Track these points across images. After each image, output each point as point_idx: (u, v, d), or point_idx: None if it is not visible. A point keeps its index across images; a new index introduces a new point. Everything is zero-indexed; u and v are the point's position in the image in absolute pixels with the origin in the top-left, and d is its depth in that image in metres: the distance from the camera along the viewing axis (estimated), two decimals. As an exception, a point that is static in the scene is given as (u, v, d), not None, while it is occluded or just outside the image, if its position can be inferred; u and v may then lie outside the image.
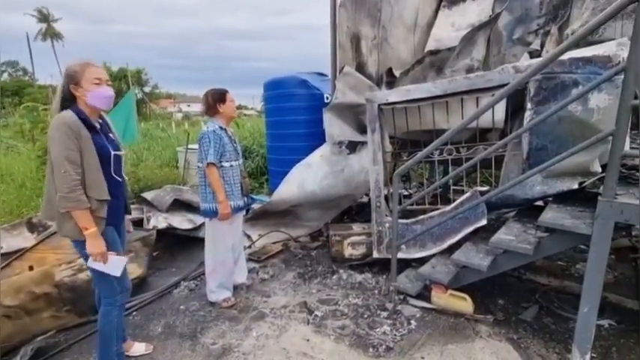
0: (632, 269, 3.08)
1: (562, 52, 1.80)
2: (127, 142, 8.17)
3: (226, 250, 2.60)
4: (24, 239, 3.08)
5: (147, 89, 32.43)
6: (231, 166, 2.52)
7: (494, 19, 3.54)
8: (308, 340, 2.24)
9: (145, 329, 2.39)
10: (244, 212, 2.86)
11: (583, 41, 3.09)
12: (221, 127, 2.49)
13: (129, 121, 8.84)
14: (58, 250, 2.76)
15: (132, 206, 4.32)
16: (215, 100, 2.52)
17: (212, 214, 2.50)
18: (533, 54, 3.50)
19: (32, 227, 3.25)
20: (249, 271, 3.10)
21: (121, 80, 27.13)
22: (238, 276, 2.90)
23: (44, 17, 38.32)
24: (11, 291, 2.05)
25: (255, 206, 4.02)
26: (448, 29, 3.84)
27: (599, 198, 1.68)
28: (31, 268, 2.47)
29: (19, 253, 2.61)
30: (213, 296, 2.66)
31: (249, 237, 3.87)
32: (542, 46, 3.62)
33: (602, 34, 3.13)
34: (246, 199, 2.68)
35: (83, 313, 2.40)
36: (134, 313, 2.58)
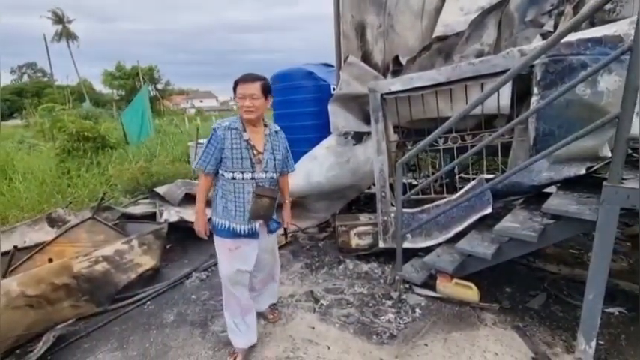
0: (648, 257, 2.99)
1: (565, 34, 1.74)
2: (143, 138, 8.43)
3: (228, 277, 1.96)
4: (45, 233, 3.25)
5: (159, 86, 32.94)
6: (234, 178, 1.86)
7: (505, 0, 3.41)
8: (313, 328, 2.29)
9: (159, 317, 2.50)
10: (265, 235, 2.06)
11: (599, 20, 2.97)
12: (230, 127, 1.86)
13: (144, 118, 9.09)
14: (75, 243, 2.91)
15: (145, 200, 4.51)
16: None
17: (213, 226, 1.97)
18: (546, 36, 3.37)
19: (52, 222, 3.42)
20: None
21: (134, 78, 27.71)
22: (261, 302, 2.35)
23: (59, 19, 39.22)
24: (33, 282, 2.18)
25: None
26: (457, 13, 3.72)
27: (604, 183, 1.64)
28: (50, 260, 2.61)
29: (40, 247, 2.76)
30: (228, 331, 2.10)
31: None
32: (556, 27, 3.48)
33: (620, 12, 3.00)
34: (255, 225, 1.95)
35: (100, 303, 2.53)
36: (148, 302, 2.70)
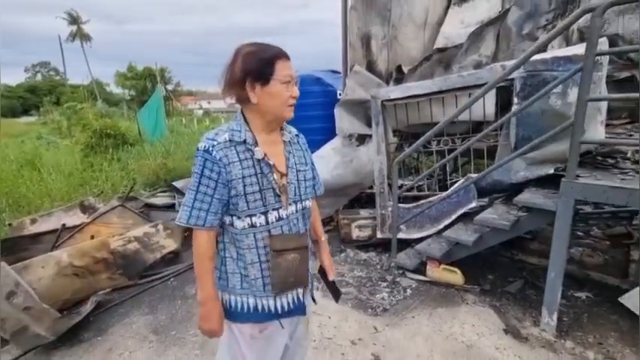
0: (623, 254, 3.28)
1: (533, 54, 2.09)
2: (157, 137, 8.86)
3: None
4: (78, 218, 3.63)
5: (170, 87, 33.70)
6: (253, 225, 1.12)
7: (503, 14, 3.67)
8: (316, 302, 2.62)
9: (182, 291, 2.86)
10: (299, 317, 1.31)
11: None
12: (233, 141, 1.08)
13: (159, 118, 9.55)
14: (109, 224, 3.29)
15: (163, 193, 4.90)
16: (242, 72, 1.05)
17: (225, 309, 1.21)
18: (541, 49, 3.69)
19: (84, 209, 3.82)
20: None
21: (145, 79, 28.47)
22: None
23: (74, 20, 40.26)
24: (79, 254, 2.55)
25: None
26: (457, 26, 4.04)
27: (562, 179, 1.97)
28: (92, 237, 2.99)
29: (81, 227, 3.14)
30: None
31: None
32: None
33: (607, 30, 3.32)
34: (293, 297, 1.23)
35: (131, 277, 2.89)
36: (172, 279, 3.06)
